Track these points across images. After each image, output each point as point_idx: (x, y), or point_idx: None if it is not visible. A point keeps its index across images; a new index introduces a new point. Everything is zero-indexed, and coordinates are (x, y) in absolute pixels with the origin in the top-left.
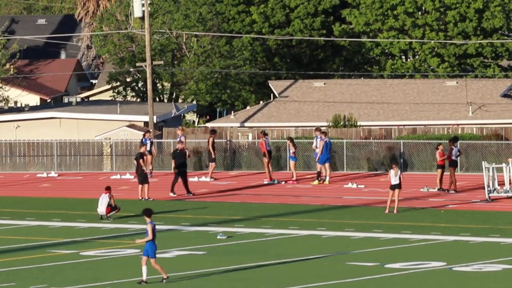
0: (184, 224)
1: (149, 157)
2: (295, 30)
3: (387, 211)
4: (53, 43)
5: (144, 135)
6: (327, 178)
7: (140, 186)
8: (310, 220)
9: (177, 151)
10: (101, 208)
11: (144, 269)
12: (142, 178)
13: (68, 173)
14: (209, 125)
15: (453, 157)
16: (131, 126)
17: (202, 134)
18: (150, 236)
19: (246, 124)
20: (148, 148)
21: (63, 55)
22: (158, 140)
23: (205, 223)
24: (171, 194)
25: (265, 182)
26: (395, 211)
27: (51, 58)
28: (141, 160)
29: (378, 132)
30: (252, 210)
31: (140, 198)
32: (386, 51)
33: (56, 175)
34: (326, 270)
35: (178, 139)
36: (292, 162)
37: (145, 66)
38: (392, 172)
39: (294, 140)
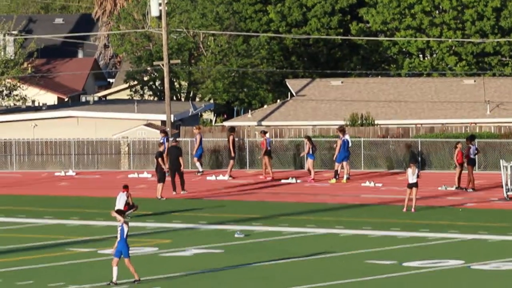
0: (202, 222)
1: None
2: (312, 29)
3: (405, 209)
4: (71, 42)
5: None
6: (345, 176)
7: (158, 184)
8: (327, 219)
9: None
10: (119, 207)
11: (115, 270)
12: (160, 176)
13: (86, 171)
14: (227, 124)
15: (471, 156)
16: (149, 125)
17: (219, 133)
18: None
19: (263, 123)
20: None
21: (80, 54)
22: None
23: (223, 221)
24: (182, 192)
25: (268, 179)
26: (412, 209)
27: (69, 57)
28: (160, 159)
29: (395, 131)
30: (270, 208)
31: (159, 197)
32: (404, 49)
33: (74, 173)
34: (343, 268)
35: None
36: (310, 161)
37: (162, 65)
38: (409, 170)
39: (312, 139)
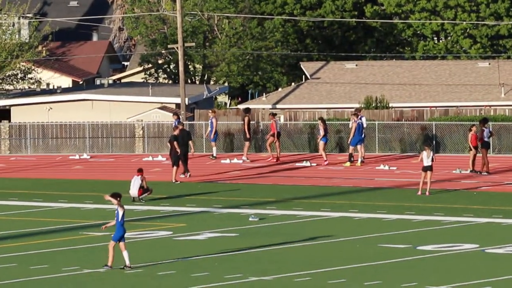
0: (216, 206)
1: None
2: (327, 12)
3: (419, 192)
4: (85, 25)
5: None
6: (359, 159)
7: (173, 168)
8: (342, 202)
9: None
10: (133, 190)
11: (124, 254)
12: (174, 159)
13: (100, 155)
14: (241, 107)
15: (485, 139)
16: (163, 108)
17: (234, 116)
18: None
19: (278, 106)
20: None
21: (95, 37)
22: (190, 122)
23: (237, 205)
24: (182, 176)
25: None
26: (427, 193)
27: (83, 40)
28: (175, 143)
29: (410, 114)
30: (284, 192)
31: (174, 181)
32: (418, 32)
33: (88, 157)
34: (358, 252)
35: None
36: (321, 143)
37: (177, 48)
38: (424, 153)
39: (326, 122)
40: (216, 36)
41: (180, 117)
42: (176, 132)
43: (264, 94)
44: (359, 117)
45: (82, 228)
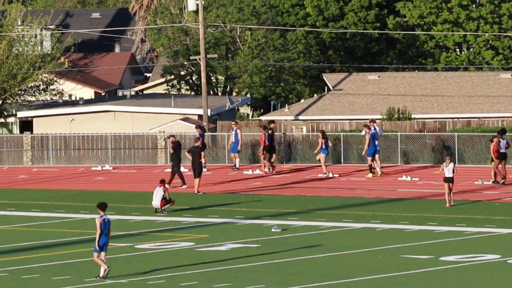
0: (238, 217)
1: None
2: (349, 23)
3: (448, 204)
4: (108, 37)
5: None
6: (378, 169)
7: (195, 179)
8: (364, 213)
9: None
10: (156, 201)
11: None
12: (198, 171)
13: (123, 166)
14: (263, 118)
15: (502, 149)
16: (186, 119)
17: (256, 127)
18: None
19: (300, 117)
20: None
21: (117, 49)
22: (213, 133)
23: (259, 216)
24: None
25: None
26: (450, 203)
27: (106, 51)
28: (202, 153)
29: (432, 125)
30: (306, 203)
31: (196, 192)
32: (440, 44)
33: (111, 168)
34: (380, 263)
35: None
36: (322, 155)
37: (199, 59)
38: (445, 164)
39: (348, 133)
40: (238, 47)
41: (205, 128)
42: (198, 143)
43: (286, 105)
44: (372, 127)
45: None
